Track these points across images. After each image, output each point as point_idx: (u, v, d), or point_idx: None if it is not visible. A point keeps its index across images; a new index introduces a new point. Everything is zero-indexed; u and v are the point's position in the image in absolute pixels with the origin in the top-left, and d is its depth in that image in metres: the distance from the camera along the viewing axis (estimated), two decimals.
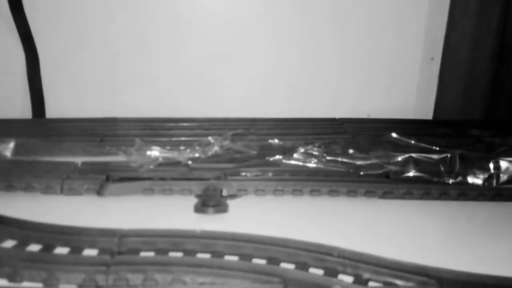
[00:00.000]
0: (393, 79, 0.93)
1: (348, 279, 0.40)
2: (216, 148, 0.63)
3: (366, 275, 0.40)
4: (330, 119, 0.88)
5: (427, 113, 0.95)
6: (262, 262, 0.42)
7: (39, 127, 0.81)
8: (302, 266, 0.41)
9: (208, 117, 0.85)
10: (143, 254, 0.43)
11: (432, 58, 0.92)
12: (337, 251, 0.42)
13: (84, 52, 0.87)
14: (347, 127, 0.82)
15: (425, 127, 0.85)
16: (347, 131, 0.79)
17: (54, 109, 0.88)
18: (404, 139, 0.65)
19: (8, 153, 0.62)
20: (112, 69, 0.89)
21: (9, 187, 0.56)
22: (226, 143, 0.63)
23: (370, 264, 0.41)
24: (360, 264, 0.41)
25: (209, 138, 0.63)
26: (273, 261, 0.42)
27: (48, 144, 0.66)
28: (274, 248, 0.43)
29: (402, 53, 0.92)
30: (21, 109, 0.87)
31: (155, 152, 0.60)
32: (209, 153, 0.63)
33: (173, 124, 0.82)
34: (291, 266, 0.41)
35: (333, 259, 0.41)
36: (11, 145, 0.62)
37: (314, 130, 0.78)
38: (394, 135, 0.65)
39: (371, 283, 0.40)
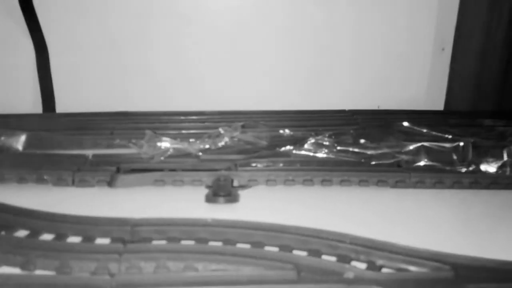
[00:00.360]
0: (403, 70, 0.93)
1: (361, 265, 0.40)
2: (226, 139, 0.63)
3: (379, 262, 0.40)
4: (340, 110, 0.87)
5: (438, 104, 0.94)
6: (274, 249, 0.42)
7: (49, 122, 0.81)
8: (315, 253, 0.41)
9: (218, 110, 0.84)
10: (155, 242, 0.43)
11: (443, 49, 0.91)
12: (350, 238, 0.42)
13: (94, 46, 0.87)
14: (357, 118, 0.81)
15: (437, 118, 0.84)
16: (357, 122, 0.78)
17: (64, 104, 0.89)
18: (416, 127, 0.64)
19: (19, 146, 0.62)
20: (121, 63, 0.89)
21: (21, 180, 0.57)
22: (236, 134, 0.63)
23: (383, 250, 0.40)
24: (373, 250, 0.40)
25: (219, 129, 0.63)
26: (285, 248, 0.42)
27: (59, 138, 0.67)
28: (286, 236, 0.42)
29: (413, 44, 0.91)
30: (32, 104, 0.88)
31: (165, 143, 0.60)
32: (219, 144, 0.63)
33: (182, 118, 0.82)
34: (303, 253, 0.41)
35: (346, 246, 0.41)
36: (23, 138, 0.62)
37: (324, 122, 0.78)
38: (405, 124, 0.65)
39: (384, 270, 0.39)
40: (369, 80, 0.93)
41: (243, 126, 0.64)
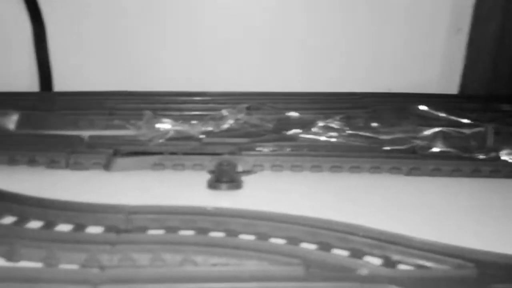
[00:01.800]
0: (416, 51, 0.88)
1: (375, 261, 0.36)
2: (231, 121, 0.60)
3: (395, 257, 0.36)
4: (349, 93, 0.83)
5: (452, 88, 0.90)
6: (281, 242, 0.38)
7: (46, 101, 0.77)
8: (325, 246, 0.37)
9: (221, 91, 0.81)
10: (151, 232, 0.40)
11: (459, 29, 0.86)
12: (362, 231, 0.38)
13: (93, 23, 0.83)
14: (367, 101, 0.77)
15: (451, 102, 0.80)
16: (367, 105, 0.74)
17: (62, 82, 0.85)
18: (433, 111, 0.60)
19: (11, 126, 0.59)
20: (122, 41, 0.85)
21: (12, 161, 0.54)
22: (241, 116, 0.59)
23: (399, 244, 0.37)
24: (388, 244, 0.37)
25: (223, 111, 0.60)
26: (292, 240, 0.38)
27: (53, 117, 0.63)
28: (293, 227, 0.39)
29: (427, 23, 0.87)
30: (29, 82, 0.84)
31: (165, 125, 0.56)
32: (223, 127, 0.59)
33: (184, 98, 0.78)
34: (312, 247, 0.38)
35: (358, 239, 0.38)
36: (15, 117, 0.59)
37: (333, 105, 0.74)
38: (422, 107, 0.61)
39: (400, 266, 0.36)
40: (380, 62, 0.88)
41: (248, 108, 0.60)
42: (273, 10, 0.84)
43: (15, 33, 0.82)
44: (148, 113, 0.58)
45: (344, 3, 0.84)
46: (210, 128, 0.59)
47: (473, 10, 0.84)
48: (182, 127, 0.58)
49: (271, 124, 0.61)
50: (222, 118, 0.60)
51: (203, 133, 0.59)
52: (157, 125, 0.57)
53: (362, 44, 0.87)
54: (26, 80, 0.84)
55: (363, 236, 0.38)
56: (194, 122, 0.63)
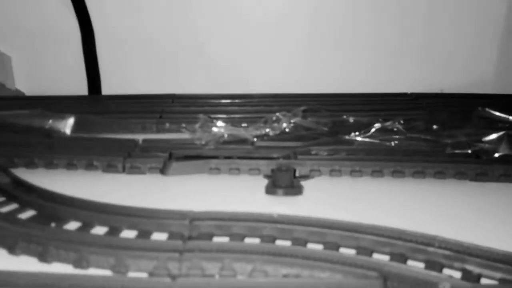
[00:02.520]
0: (470, 51, 0.85)
1: (455, 274, 0.34)
2: (284, 124, 0.58)
3: (476, 270, 0.34)
4: (402, 94, 0.81)
5: (507, 88, 0.86)
6: (351, 252, 0.37)
7: (95, 104, 0.78)
8: (399, 258, 0.36)
9: (269, 93, 0.80)
10: (216, 239, 0.39)
11: None
12: (438, 241, 0.36)
13: (140, 27, 0.84)
14: (421, 102, 0.75)
15: (509, 103, 0.77)
16: (422, 106, 0.72)
17: (109, 86, 0.86)
18: (495, 113, 0.58)
19: (67, 130, 0.59)
20: (168, 45, 0.85)
21: (70, 165, 0.54)
22: (297, 119, 0.58)
23: (479, 257, 0.35)
24: (467, 256, 0.35)
25: (278, 114, 0.58)
26: (364, 251, 0.37)
27: (107, 121, 0.64)
28: (363, 236, 0.38)
29: (482, 23, 0.84)
30: (77, 85, 0.85)
31: (220, 129, 0.55)
32: (277, 130, 0.58)
33: (231, 101, 0.78)
34: (385, 258, 0.36)
35: (435, 251, 0.36)
36: (71, 121, 0.59)
37: (387, 106, 0.72)
38: (487, 109, 0.58)
39: (484, 280, 0.34)
40: (433, 62, 0.86)
41: (304, 111, 0.59)
42: (327, 14, 0.83)
43: (65, 37, 0.83)
44: (203, 116, 0.57)
45: (399, 5, 0.82)
46: (265, 131, 0.57)
47: None
48: (236, 131, 0.57)
49: (326, 127, 0.60)
50: (277, 121, 0.59)
51: (256, 136, 0.58)
52: (213, 129, 0.56)
53: (415, 43, 0.84)
54: (75, 84, 0.84)
55: (439, 247, 0.36)
56: (245, 125, 0.63)
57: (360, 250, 0.37)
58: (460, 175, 0.51)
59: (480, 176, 0.51)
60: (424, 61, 0.85)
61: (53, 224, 0.41)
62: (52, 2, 0.81)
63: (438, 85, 0.85)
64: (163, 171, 0.53)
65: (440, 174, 0.51)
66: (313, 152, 0.56)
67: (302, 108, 0.58)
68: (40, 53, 0.84)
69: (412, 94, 0.80)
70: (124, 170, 0.53)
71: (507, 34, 0.84)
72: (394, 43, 0.84)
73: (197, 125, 0.56)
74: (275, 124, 0.58)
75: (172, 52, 0.86)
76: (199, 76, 0.86)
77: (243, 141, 0.58)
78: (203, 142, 0.55)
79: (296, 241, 0.38)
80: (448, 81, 0.86)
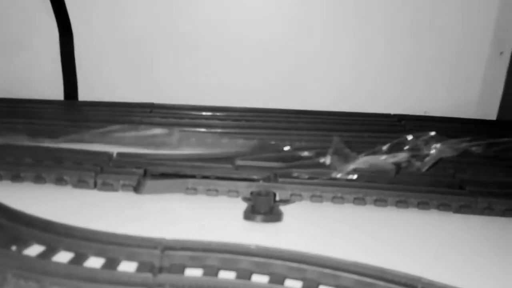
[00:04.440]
0: (455, 74, 0.85)
1: None
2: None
3: None
4: (385, 115, 0.80)
5: (490, 113, 0.86)
6: None
7: (71, 110, 0.75)
8: None
9: (246, 107, 0.78)
10: (189, 271, 0.37)
11: (501, 52, 0.83)
12: (422, 283, 0.35)
13: (121, 33, 0.81)
14: (406, 124, 0.74)
15: (489, 128, 0.77)
16: (407, 129, 0.71)
17: (86, 92, 0.83)
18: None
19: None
20: (149, 52, 0.83)
21: (38, 178, 0.51)
22: None
23: None
24: None
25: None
26: None
27: (80, 130, 0.61)
28: (345, 276, 0.36)
29: (467, 46, 0.84)
30: (53, 90, 0.81)
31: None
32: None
33: (212, 114, 0.76)
34: None
35: None
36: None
37: (370, 127, 0.71)
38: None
39: None
40: (417, 83, 0.85)
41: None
42: (309, 32, 0.82)
43: (43, 41, 0.79)
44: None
45: (383, 24, 0.81)
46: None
47: None
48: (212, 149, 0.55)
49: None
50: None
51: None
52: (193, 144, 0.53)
53: (399, 65, 0.83)
54: (51, 88, 0.81)
55: None
56: (225, 141, 0.61)
57: None
58: (443, 207, 0.50)
59: (464, 209, 0.50)
60: (409, 83, 0.84)
61: (13, 247, 0.38)
62: (32, 6, 0.78)
63: (422, 107, 0.85)
64: (136, 189, 0.50)
65: (423, 205, 0.50)
66: (294, 175, 0.54)
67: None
68: (16, 54, 0.81)
69: (395, 116, 0.79)
70: (95, 187, 0.51)
71: (493, 57, 0.84)
72: (378, 63, 0.83)
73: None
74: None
75: (152, 59, 0.83)
76: (179, 86, 0.84)
77: (221, 159, 0.56)
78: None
79: (274, 277, 0.36)
80: (432, 104, 0.85)
